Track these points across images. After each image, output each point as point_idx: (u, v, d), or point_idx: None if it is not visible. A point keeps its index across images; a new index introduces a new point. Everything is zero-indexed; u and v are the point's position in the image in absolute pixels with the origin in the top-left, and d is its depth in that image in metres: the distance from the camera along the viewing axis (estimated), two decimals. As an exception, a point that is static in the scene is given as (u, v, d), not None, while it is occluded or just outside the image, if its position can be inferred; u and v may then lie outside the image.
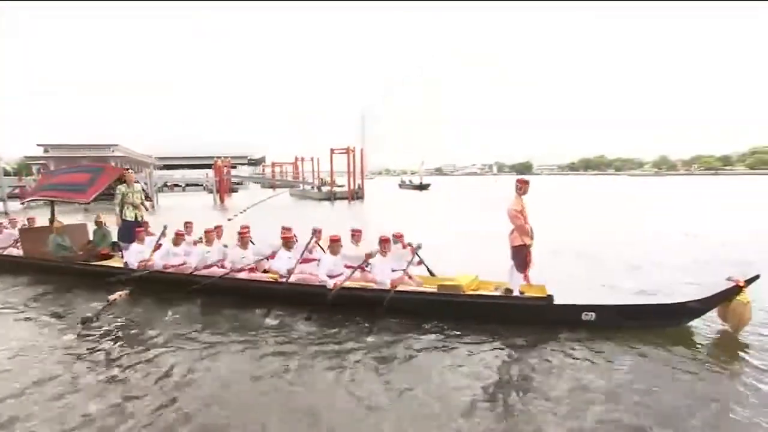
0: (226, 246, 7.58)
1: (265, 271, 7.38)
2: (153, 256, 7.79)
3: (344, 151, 38.95)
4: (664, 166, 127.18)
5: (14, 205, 31.51)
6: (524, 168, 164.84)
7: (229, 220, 18.37)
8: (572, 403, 3.83)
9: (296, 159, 57.87)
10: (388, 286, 6.09)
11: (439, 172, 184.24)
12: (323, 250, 7.07)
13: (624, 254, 10.37)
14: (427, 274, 6.78)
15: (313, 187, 45.36)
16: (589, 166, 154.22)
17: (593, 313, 5.31)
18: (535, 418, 3.65)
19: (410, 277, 6.47)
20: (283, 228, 7.64)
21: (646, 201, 31.23)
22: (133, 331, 5.83)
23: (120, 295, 6.92)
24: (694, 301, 5.15)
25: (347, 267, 6.63)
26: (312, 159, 51.38)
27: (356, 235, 7.03)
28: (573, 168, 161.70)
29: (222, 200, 37.10)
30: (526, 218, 5.76)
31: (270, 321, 6.01)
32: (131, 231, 8.34)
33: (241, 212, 22.86)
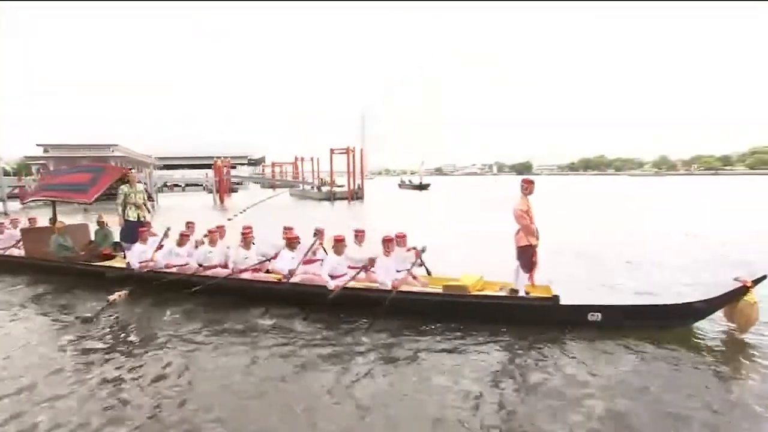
0: (228, 248, 7.56)
1: (267, 272, 7.35)
2: (156, 255, 7.76)
3: (344, 151, 38.93)
4: (664, 166, 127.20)
5: (14, 205, 31.46)
6: (524, 168, 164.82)
7: (229, 220, 18.32)
8: (578, 405, 3.80)
9: (296, 159, 57.82)
10: (390, 287, 6.07)
11: (439, 172, 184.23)
12: (326, 252, 7.04)
13: (625, 254, 10.34)
14: (426, 273, 6.75)
15: (313, 187, 45.32)
16: (589, 166, 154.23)
17: (599, 314, 5.28)
18: (541, 419, 3.62)
19: (415, 278, 6.45)
20: (285, 228, 7.62)
21: (646, 201, 31.23)
22: (133, 331, 5.82)
23: (120, 296, 6.92)
24: (701, 301, 5.13)
25: (351, 268, 6.61)
26: (312, 159, 51.35)
27: (359, 236, 7.02)
28: (573, 168, 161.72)
29: (222, 200, 37.06)
30: (531, 218, 5.74)
31: (271, 321, 5.98)
32: (134, 231, 8.30)
33: (240, 212, 22.81)
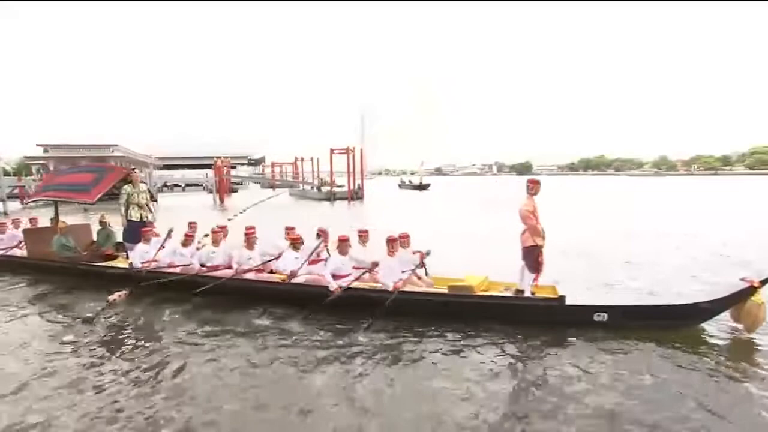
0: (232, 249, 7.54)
1: (271, 272, 7.33)
2: (159, 254, 7.74)
3: (344, 151, 38.97)
4: (663, 167, 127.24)
5: (14, 205, 31.45)
6: (524, 168, 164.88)
7: (229, 220, 18.25)
8: (584, 406, 3.78)
9: (296, 159, 57.83)
10: (396, 285, 6.04)
11: (438, 172, 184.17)
12: (329, 254, 7.02)
13: (625, 254, 10.35)
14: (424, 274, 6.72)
15: (312, 188, 45.32)
16: (588, 166, 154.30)
17: (605, 314, 5.27)
18: (546, 420, 3.61)
19: (419, 278, 6.43)
20: (287, 228, 7.61)
21: (646, 201, 31.25)
22: (134, 332, 5.82)
23: (119, 296, 6.92)
24: (708, 301, 5.11)
25: (355, 268, 6.60)
26: (312, 159, 51.38)
27: (363, 236, 7.00)
28: (573, 168, 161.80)
29: (222, 200, 37.08)
30: (537, 219, 5.72)
31: (273, 322, 5.96)
32: (136, 231, 8.27)
33: (240, 212, 22.75)
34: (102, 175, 9.21)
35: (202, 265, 7.40)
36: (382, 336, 5.37)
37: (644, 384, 4.15)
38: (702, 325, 5.34)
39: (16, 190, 36.42)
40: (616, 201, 32.46)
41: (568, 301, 5.39)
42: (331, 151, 39.63)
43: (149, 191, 9.36)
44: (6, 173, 38.90)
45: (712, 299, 5.11)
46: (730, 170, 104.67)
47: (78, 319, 6.15)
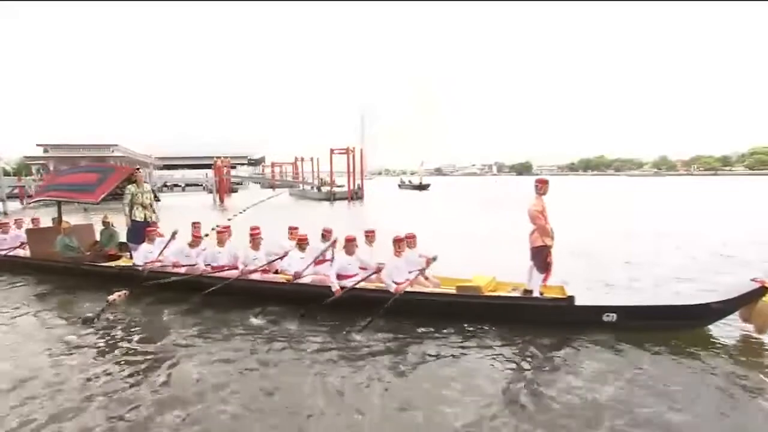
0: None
1: (276, 272, 7.30)
2: (164, 253, 7.71)
3: (344, 151, 38.95)
4: (663, 167, 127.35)
5: (14, 205, 31.41)
6: (524, 168, 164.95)
7: (229, 220, 18.27)
8: (591, 407, 3.77)
9: (296, 159, 57.80)
10: (399, 287, 6.00)
11: (438, 172, 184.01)
12: (333, 254, 6.98)
13: (626, 254, 10.36)
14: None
15: (312, 188, 45.29)
16: (588, 166, 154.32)
17: (614, 314, 5.24)
18: (553, 422, 3.60)
19: (427, 278, 6.40)
20: (290, 228, 7.57)
21: (646, 201, 31.25)
22: (134, 332, 5.80)
23: (119, 296, 6.90)
24: (718, 302, 5.08)
25: (362, 269, 6.58)
26: (312, 159, 51.35)
27: (369, 236, 6.97)
28: (573, 168, 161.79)
29: (222, 200, 37.01)
30: (546, 219, 5.70)
31: (276, 322, 5.95)
32: (141, 232, 8.23)
33: (240, 212, 22.75)
34: (106, 175, 9.17)
35: (207, 266, 7.36)
36: (388, 336, 5.35)
37: (655, 385, 4.12)
38: (710, 325, 5.32)
39: (16, 190, 36.36)
40: (616, 201, 32.45)
41: (577, 302, 5.36)
42: (331, 151, 39.61)
43: (153, 191, 9.31)
44: (6, 173, 38.87)
45: (724, 299, 5.08)
46: (730, 170, 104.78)
47: (79, 319, 6.14)
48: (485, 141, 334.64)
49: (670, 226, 16.22)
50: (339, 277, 6.41)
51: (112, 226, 9.59)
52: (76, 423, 3.68)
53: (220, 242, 7.46)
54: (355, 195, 38.22)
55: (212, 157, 46.52)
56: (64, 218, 9.86)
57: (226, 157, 46.05)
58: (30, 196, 32.90)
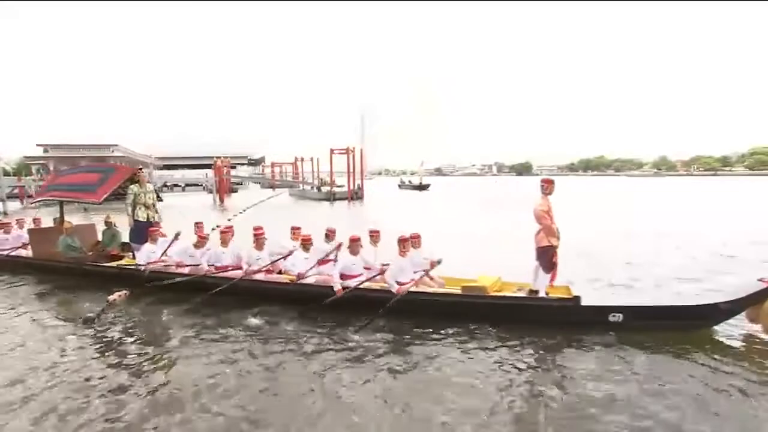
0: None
1: (279, 272, 7.28)
2: (169, 250, 7.69)
3: (344, 151, 38.98)
4: (663, 167, 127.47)
5: (14, 205, 31.41)
6: (524, 168, 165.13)
7: (229, 220, 18.25)
8: (599, 409, 3.74)
9: (296, 159, 57.81)
10: (401, 288, 5.98)
11: (438, 172, 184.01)
12: (336, 256, 6.96)
13: (626, 255, 10.34)
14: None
15: (312, 188, 45.30)
16: (588, 166, 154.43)
17: (620, 315, 5.22)
18: (559, 423, 3.58)
19: (432, 278, 6.38)
20: (293, 228, 7.55)
21: (646, 201, 31.27)
22: (134, 332, 5.81)
23: (119, 296, 6.90)
24: (726, 302, 5.05)
25: (366, 269, 6.57)
26: (312, 159, 51.35)
27: (374, 236, 6.95)
28: (572, 169, 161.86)
29: (222, 200, 37.07)
30: (552, 218, 5.69)
31: (279, 322, 5.92)
32: (143, 232, 8.21)
33: (240, 212, 22.71)
34: (107, 174, 9.16)
35: (211, 266, 7.33)
36: (392, 336, 5.34)
37: (662, 386, 4.10)
38: (717, 326, 5.29)
39: (16, 190, 36.36)
40: (616, 201, 32.46)
41: (582, 302, 5.34)
42: (331, 151, 39.63)
43: (156, 191, 9.30)
44: (6, 173, 38.86)
45: (732, 299, 5.05)
46: (730, 171, 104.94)
47: (80, 319, 6.14)
48: (485, 141, 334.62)
49: (670, 226, 16.23)
50: (343, 277, 6.40)
51: (115, 226, 9.56)
52: (75, 423, 3.67)
53: (224, 242, 7.43)
54: (355, 195, 38.24)
55: (212, 157, 46.57)
56: (65, 218, 9.84)
57: (226, 157, 46.11)
58: (30, 196, 32.95)
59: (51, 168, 59.90)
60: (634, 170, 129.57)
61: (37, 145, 68.60)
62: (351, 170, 38.35)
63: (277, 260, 7.11)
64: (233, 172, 52.26)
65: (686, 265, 9.25)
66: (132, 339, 5.52)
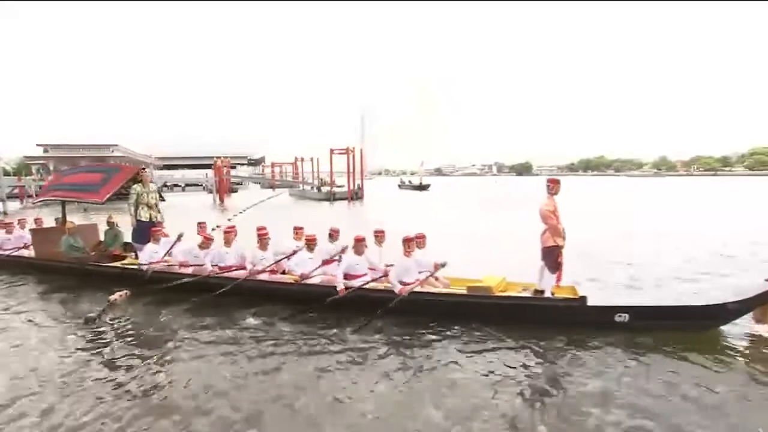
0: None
1: (283, 272, 7.26)
2: (173, 251, 7.67)
3: (344, 151, 38.92)
4: (663, 167, 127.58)
5: (13, 205, 31.38)
6: (524, 168, 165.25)
7: (229, 220, 18.27)
8: (605, 410, 3.72)
9: (296, 159, 57.76)
10: (404, 288, 5.96)
11: (438, 172, 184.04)
12: (339, 257, 6.95)
13: (626, 255, 10.33)
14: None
15: (312, 188, 45.26)
16: (588, 166, 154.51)
17: (627, 315, 5.20)
18: (565, 422, 3.57)
19: (437, 279, 6.36)
20: (296, 228, 7.53)
21: (646, 201, 31.27)
22: (135, 332, 5.78)
23: (120, 296, 6.88)
24: (733, 302, 5.03)
25: (370, 269, 6.56)
26: (312, 159, 51.31)
27: (379, 236, 6.94)
28: (572, 169, 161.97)
29: (222, 200, 37.02)
30: (558, 218, 5.67)
31: (281, 322, 5.90)
32: (146, 232, 8.18)
33: (240, 212, 22.72)
34: (110, 174, 9.14)
35: (215, 266, 7.31)
36: (395, 336, 5.33)
37: (668, 386, 4.09)
38: (723, 327, 5.27)
39: (16, 190, 36.33)
40: (616, 201, 32.47)
41: (588, 302, 5.33)
42: (331, 151, 39.56)
43: (158, 191, 9.27)
44: (6, 173, 38.80)
45: (739, 299, 5.03)
46: (730, 171, 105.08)
47: (81, 319, 6.12)
48: (485, 141, 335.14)
49: (671, 226, 16.21)
50: (347, 277, 6.39)
51: (117, 226, 9.54)
52: (74, 423, 3.66)
53: (227, 242, 7.41)
54: (355, 195, 38.19)
55: (212, 157, 46.52)
56: (67, 218, 9.82)
57: (226, 157, 46.05)
58: (30, 196, 32.96)
59: (51, 168, 59.87)
60: (634, 170, 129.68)
61: (37, 145, 68.58)
62: (351, 170, 38.29)
63: (281, 260, 7.09)
64: (233, 172, 52.20)
65: (686, 266, 9.24)
66: (133, 339, 5.50)
